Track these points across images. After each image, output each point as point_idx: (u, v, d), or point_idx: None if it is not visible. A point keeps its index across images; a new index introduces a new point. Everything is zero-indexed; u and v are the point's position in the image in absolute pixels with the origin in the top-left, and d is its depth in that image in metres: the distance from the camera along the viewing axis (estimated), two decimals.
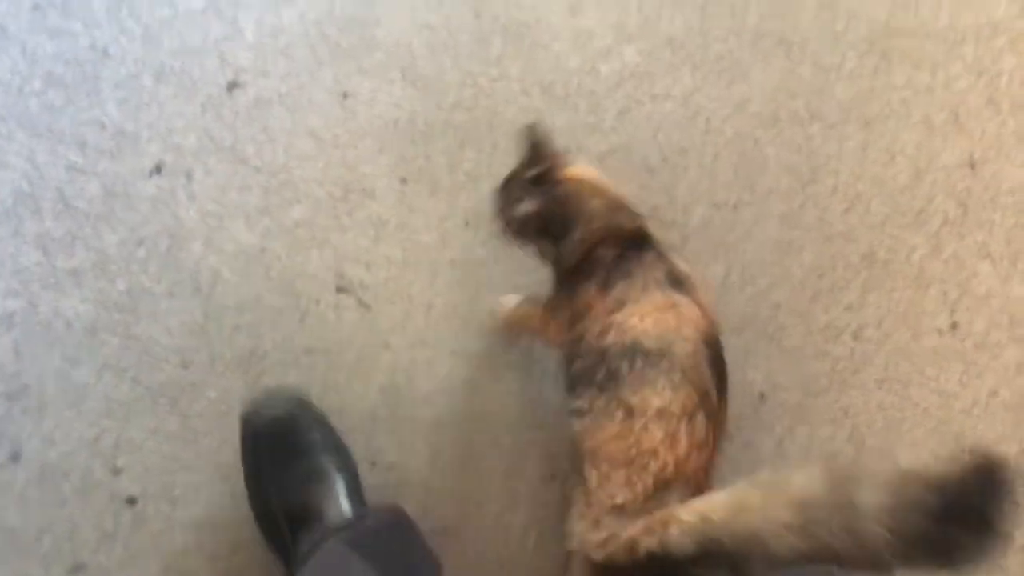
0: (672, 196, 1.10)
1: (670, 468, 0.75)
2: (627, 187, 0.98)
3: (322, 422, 0.97)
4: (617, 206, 0.85)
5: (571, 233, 0.84)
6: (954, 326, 1.08)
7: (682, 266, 0.83)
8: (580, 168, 0.88)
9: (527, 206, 0.85)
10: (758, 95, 1.11)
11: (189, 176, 1.10)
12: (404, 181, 1.10)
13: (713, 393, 0.78)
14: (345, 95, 1.11)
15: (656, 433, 0.76)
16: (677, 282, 0.80)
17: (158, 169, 1.10)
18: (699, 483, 0.77)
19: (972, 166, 1.09)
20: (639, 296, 0.79)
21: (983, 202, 1.09)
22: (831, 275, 1.08)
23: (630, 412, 0.77)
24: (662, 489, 0.75)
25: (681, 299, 0.79)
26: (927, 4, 1.11)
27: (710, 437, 0.77)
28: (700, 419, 0.77)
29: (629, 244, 0.83)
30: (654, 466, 0.76)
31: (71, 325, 1.07)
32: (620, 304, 0.80)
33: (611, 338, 0.79)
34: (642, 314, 0.78)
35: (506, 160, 1.09)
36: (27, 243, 1.09)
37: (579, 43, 1.12)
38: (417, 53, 1.11)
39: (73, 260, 1.09)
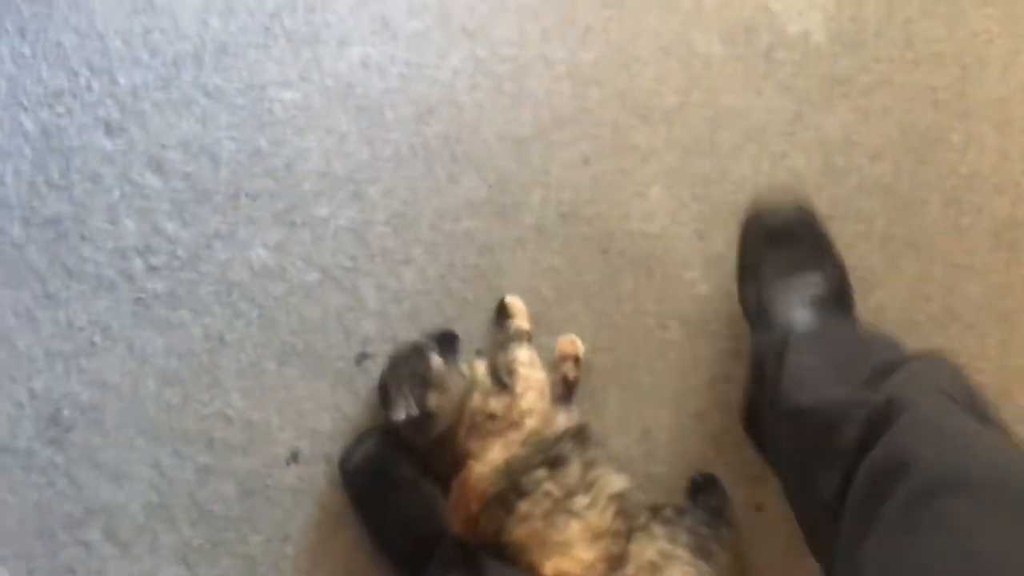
0: None
1: None
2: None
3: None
4: None
5: None
6: None
7: None
8: None
9: None
10: (893, 301, 1.21)
11: (329, 460, 1.15)
12: None
13: None
14: (478, 352, 1.16)
15: None
16: None
17: (295, 457, 1.14)
18: None
19: None
20: None
21: None
22: None
23: None
24: None
25: None
26: None
27: None
28: None
29: None
30: None
31: None
32: None
33: None
34: None
35: (650, 401, 1.16)
36: (166, 558, 1.12)
37: (711, 269, 1.20)
38: (546, 298, 1.18)
39: (217, 569, 1.13)
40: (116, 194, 1.16)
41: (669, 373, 1.20)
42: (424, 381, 1.07)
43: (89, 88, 1.16)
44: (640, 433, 1.20)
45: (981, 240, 1.24)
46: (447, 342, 1.13)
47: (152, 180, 1.17)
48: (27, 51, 1.15)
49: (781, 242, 1.11)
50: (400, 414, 1.05)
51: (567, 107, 1.23)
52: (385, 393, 1.10)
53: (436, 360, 1.09)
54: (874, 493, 0.76)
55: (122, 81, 1.17)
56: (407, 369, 1.09)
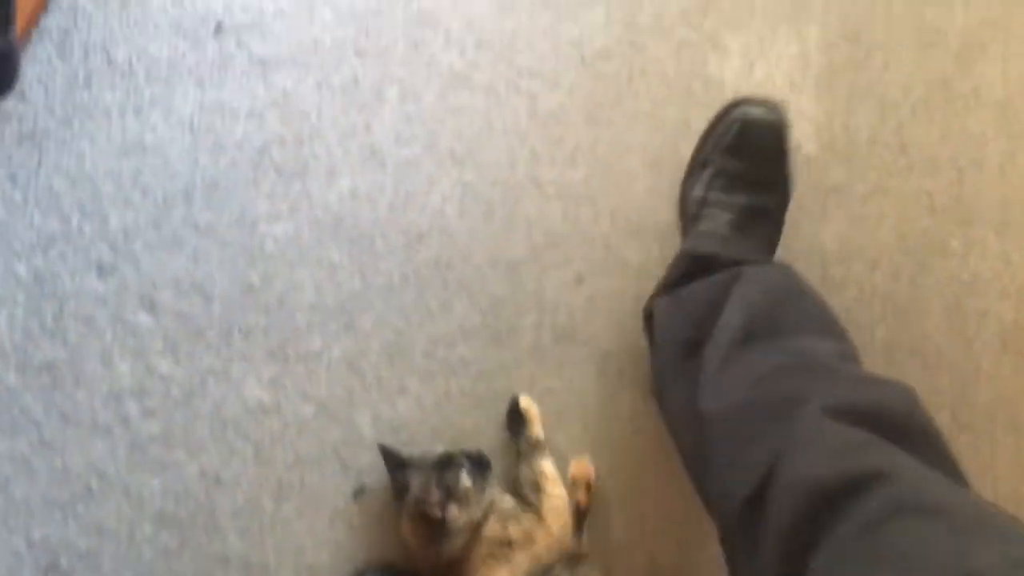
0: None
1: None
2: None
3: None
4: None
5: None
6: None
7: None
8: None
9: None
10: None
11: None
12: None
13: None
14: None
15: None
16: None
17: None
18: None
19: None
20: None
21: None
22: None
23: None
24: None
25: None
26: None
27: None
28: None
29: None
30: None
31: None
32: None
33: None
34: None
35: (654, 527, 1.14)
36: None
37: None
38: (545, 423, 1.21)
39: None
40: (109, 336, 1.17)
41: (673, 497, 1.19)
42: (449, 491, 1.08)
43: (81, 231, 1.17)
44: (645, 560, 1.19)
45: (987, 347, 1.23)
46: (479, 465, 1.12)
47: (145, 320, 1.17)
48: (19, 197, 1.17)
49: (749, 153, 1.11)
50: (421, 505, 1.06)
51: (559, 227, 1.23)
52: (402, 485, 1.10)
53: (465, 478, 1.08)
54: (823, 512, 0.73)
55: (113, 222, 1.18)
56: (437, 472, 1.09)
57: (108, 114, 1.19)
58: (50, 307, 1.17)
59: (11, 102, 1.18)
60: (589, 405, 1.21)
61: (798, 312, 1.00)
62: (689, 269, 1.09)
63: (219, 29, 1.22)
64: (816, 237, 1.24)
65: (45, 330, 1.16)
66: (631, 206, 1.24)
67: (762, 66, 1.25)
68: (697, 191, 1.15)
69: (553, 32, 1.25)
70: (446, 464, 1.10)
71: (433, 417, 1.19)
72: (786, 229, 1.23)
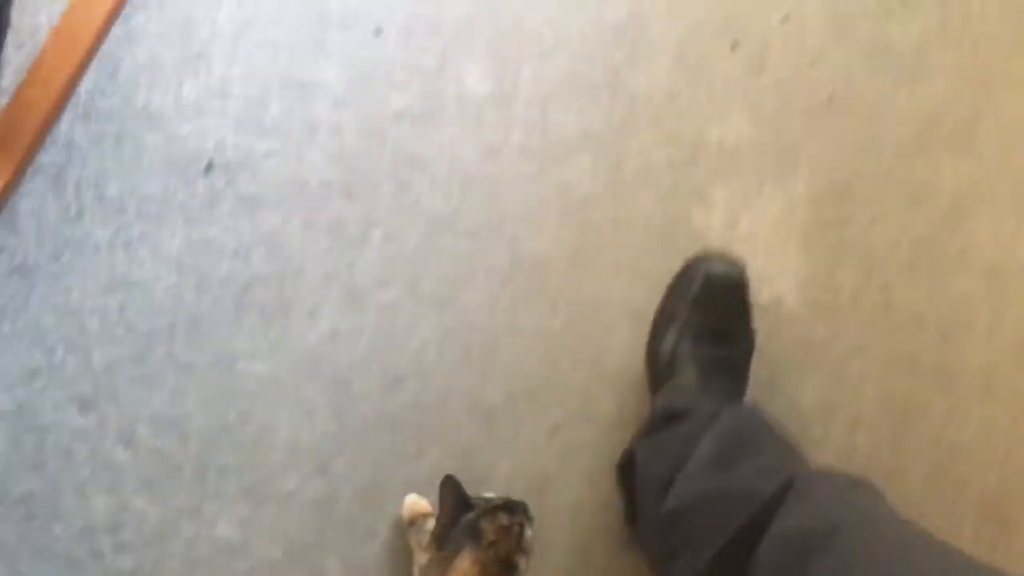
0: None
1: None
2: None
3: None
4: None
5: None
6: None
7: None
8: None
9: None
10: None
11: None
12: None
13: None
14: None
15: None
16: None
17: None
18: None
19: None
20: None
21: None
22: None
23: None
24: None
25: None
26: None
27: None
28: None
29: None
30: None
31: None
32: None
33: None
34: None
35: None
36: None
37: None
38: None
39: None
40: (87, 471, 1.19)
41: None
42: (519, 547, 1.07)
43: (64, 365, 1.20)
44: None
45: (967, 516, 1.21)
46: (527, 517, 1.12)
47: (122, 456, 1.19)
48: (6, 329, 1.20)
49: (714, 307, 1.15)
50: (501, 548, 1.05)
51: (536, 375, 1.23)
52: (466, 527, 1.07)
53: (528, 531, 1.09)
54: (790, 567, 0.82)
55: (97, 357, 1.20)
56: (508, 516, 1.08)
57: (98, 249, 1.22)
58: (31, 439, 1.19)
59: (3, 235, 1.21)
60: (561, 557, 1.20)
61: (770, 440, 1.06)
62: (664, 422, 1.11)
63: (210, 167, 1.24)
64: (796, 394, 1.23)
65: (25, 462, 1.18)
66: (609, 356, 1.24)
67: (747, 219, 1.25)
68: (667, 344, 1.17)
69: (538, 178, 1.26)
70: (512, 511, 1.09)
71: (403, 565, 1.20)
72: (765, 385, 1.23)
